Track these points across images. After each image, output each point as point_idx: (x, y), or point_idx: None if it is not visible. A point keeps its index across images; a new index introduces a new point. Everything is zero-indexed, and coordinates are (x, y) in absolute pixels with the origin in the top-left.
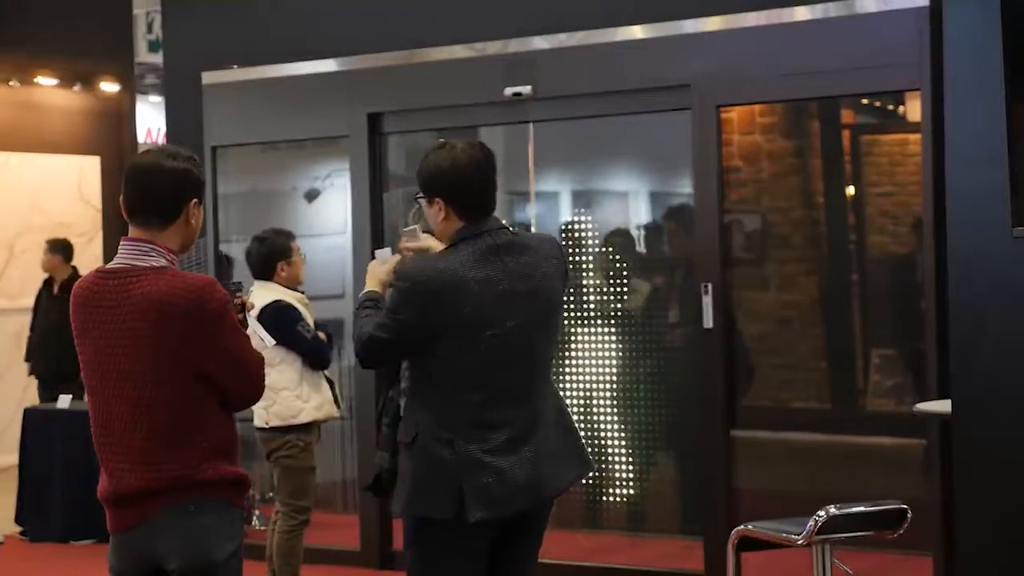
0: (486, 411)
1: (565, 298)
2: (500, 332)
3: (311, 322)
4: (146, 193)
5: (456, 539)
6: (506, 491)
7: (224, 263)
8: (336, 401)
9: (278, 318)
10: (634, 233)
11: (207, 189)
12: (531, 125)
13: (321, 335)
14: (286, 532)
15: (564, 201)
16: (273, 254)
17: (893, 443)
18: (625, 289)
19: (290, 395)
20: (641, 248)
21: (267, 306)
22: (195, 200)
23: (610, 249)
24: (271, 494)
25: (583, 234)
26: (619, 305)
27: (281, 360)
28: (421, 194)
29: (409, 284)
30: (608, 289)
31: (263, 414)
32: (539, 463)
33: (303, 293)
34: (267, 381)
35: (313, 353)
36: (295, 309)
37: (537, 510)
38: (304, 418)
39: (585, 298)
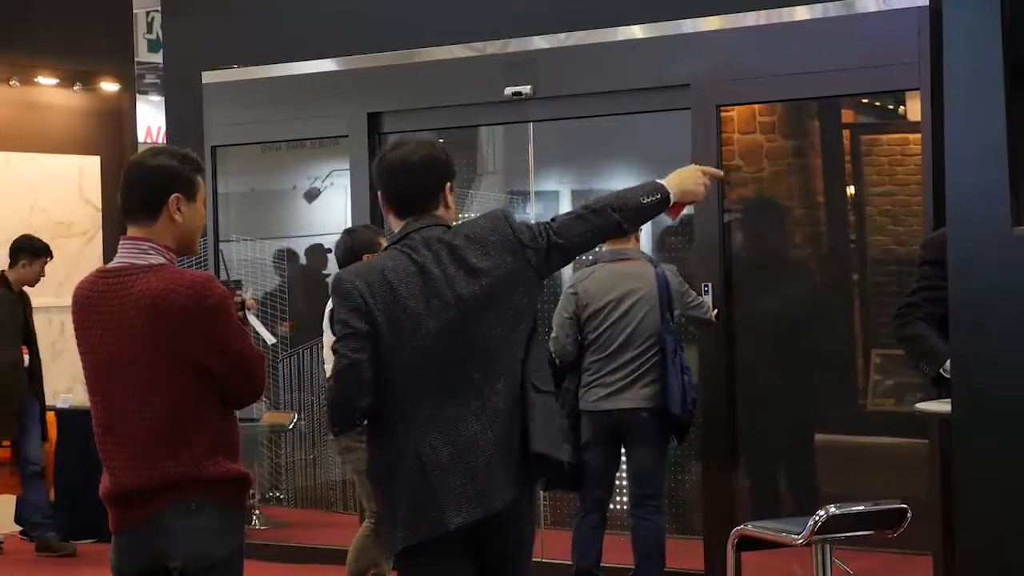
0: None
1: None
2: (433, 328)
3: None
4: (129, 190)
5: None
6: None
7: (222, 263)
8: None
9: None
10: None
11: (207, 189)
12: (531, 125)
13: None
14: (364, 535)
15: (564, 201)
16: (360, 247)
17: (893, 443)
18: None
19: None
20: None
21: None
22: (177, 196)
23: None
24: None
25: None
26: None
27: None
28: None
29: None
30: None
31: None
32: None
33: None
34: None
35: None
36: None
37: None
38: None
39: None
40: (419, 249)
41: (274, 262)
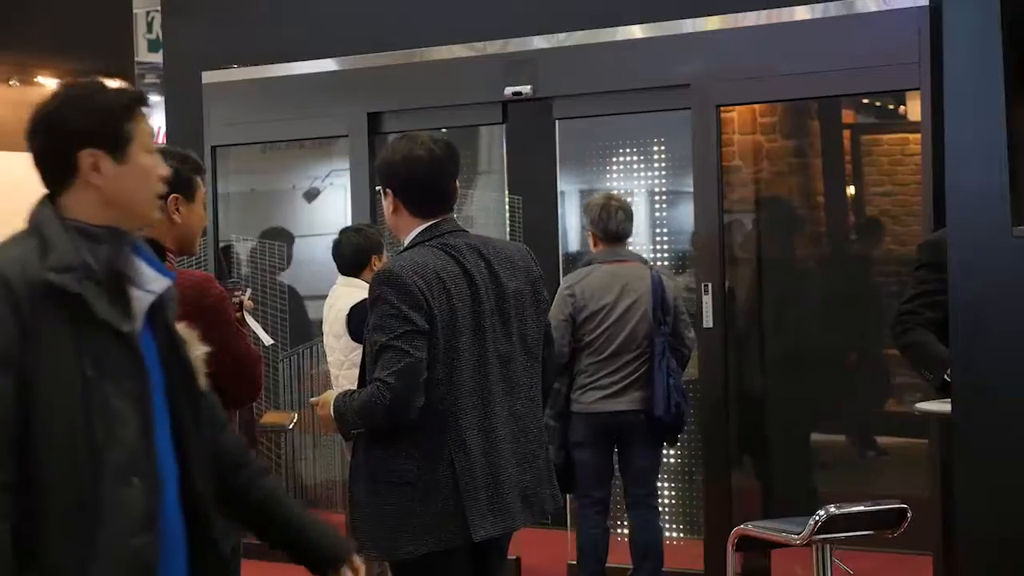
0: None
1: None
2: (472, 335)
3: None
4: None
5: None
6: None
7: (223, 262)
8: None
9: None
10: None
11: (208, 189)
12: (531, 125)
13: None
14: None
15: (564, 201)
16: (371, 247)
17: (893, 443)
18: None
19: None
20: (640, 247)
21: (357, 305)
22: (176, 196)
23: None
24: None
25: (584, 233)
26: None
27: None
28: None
29: (397, 279)
30: None
31: None
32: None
33: None
34: (345, 383)
35: None
36: None
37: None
38: None
39: None
40: (464, 253)
41: (273, 262)
